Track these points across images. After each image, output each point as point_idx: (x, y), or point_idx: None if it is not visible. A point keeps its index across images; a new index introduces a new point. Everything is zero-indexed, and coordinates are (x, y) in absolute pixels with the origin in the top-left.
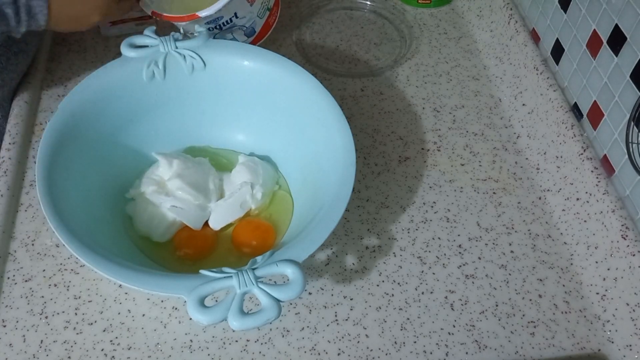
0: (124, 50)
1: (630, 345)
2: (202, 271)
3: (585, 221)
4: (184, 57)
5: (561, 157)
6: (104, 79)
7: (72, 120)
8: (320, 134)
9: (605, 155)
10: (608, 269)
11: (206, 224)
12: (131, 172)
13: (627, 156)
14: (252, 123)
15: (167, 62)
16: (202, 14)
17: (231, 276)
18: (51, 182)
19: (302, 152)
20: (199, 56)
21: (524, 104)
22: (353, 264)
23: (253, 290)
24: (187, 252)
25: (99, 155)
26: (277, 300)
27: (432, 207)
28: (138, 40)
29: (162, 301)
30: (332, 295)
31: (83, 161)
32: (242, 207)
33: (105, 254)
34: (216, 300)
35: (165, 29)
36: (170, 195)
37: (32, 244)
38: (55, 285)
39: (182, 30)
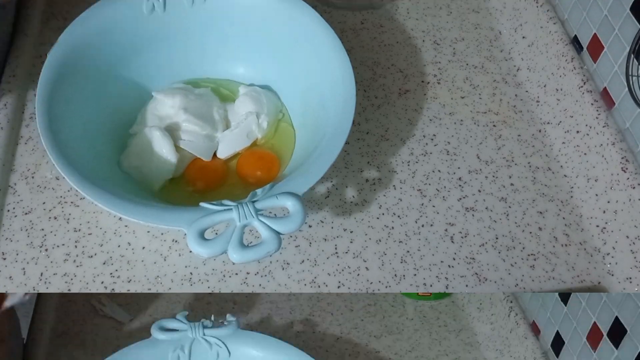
0: (154, 332)
1: (630, 278)
2: (202, 204)
3: (585, 154)
4: (211, 344)
5: (561, 89)
6: (104, 11)
7: (73, 54)
8: (320, 66)
9: (605, 88)
10: (608, 202)
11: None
12: (133, 106)
13: (627, 89)
14: (252, 55)
15: (193, 347)
16: None
17: (231, 209)
18: (51, 115)
19: (302, 84)
20: (225, 345)
21: (524, 37)
22: (353, 196)
23: (253, 222)
24: (200, 184)
25: (99, 88)
26: (277, 233)
27: (432, 139)
28: (168, 323)
29: (162, 234)
30: (332, 228)
31: (83, 94)
32: (248, 136)
33: (105, 187)
34: (216, 233)
35: None
36: (177, 129)
37: (32, 177)
38: (55, 217)
39: (212, 318)
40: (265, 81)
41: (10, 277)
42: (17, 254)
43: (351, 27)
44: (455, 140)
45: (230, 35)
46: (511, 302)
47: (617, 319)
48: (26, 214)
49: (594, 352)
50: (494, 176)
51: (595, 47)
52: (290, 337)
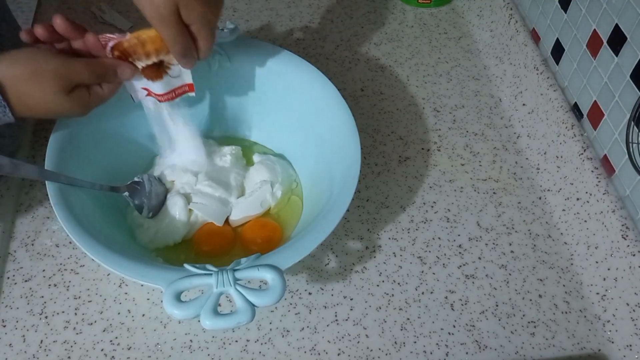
0: None
1: (631, 345)
2: (186, 265)
3: (585, 221)
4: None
5: (561, 157)
6: None
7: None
8: (334, 142)
9: (605, 155)
10: (608, 269)
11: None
12: (143, 162)
13: (627, 156)
14: (269, 122)
15: None
16: None
17: (211, 274)
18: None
19: (313, 155)
20: (225, 52)
21: (524, 104)
22: (353, 264)
23: (229, 291)
24: (206, 248)
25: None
26: (252, 305)
27: (432, 207)
28: None
29: (161, 301)
30: (332, 295)
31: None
32: (262, 205)
33: (99, 238)
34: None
35: None
36: (192, 190)
37: (32, 244)
38: (55, 285)
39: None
40: (279, 148)
41: (10, 344)
42: (17, 321)
43: (351, 94)
44: (455, 208)
45: (249, 100)
46: (511, 9)
47: (617, 26)
48: (26, 281)
49: (594, 59)
50: (494, 243)
51: (596, 114)
52: (290, 44)
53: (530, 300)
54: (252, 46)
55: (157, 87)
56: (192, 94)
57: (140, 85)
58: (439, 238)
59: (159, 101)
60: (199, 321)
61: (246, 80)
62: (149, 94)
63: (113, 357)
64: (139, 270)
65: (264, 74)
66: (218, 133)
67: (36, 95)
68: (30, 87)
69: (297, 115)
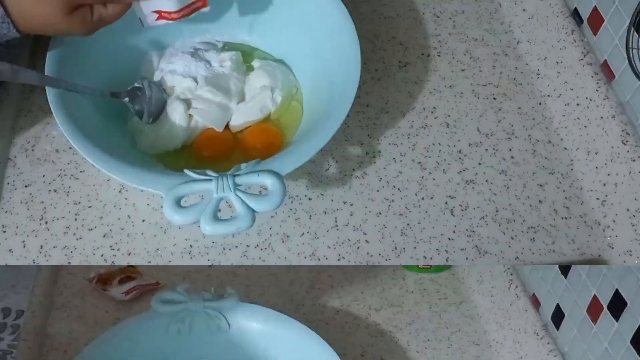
0: (155, 304)
1: (630, 251)
2: (186, 170)
3: (585, 126)
4: (211, 317)
5: (561, 62)
6: (128, 330)
7: None
8: (331, 43)
9: (605, 60)
10: (608, 175)
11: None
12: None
13: (627, 61)
14: (270, 27)
15: (193, 319)
16: None
17: (211, 179)
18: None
19: (313, 61)
20: (225, 318)
21: (524, 9)
22: (353, 169)
23: (230, 196)
24: (207, 154)
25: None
26: (252, 210)
27: (432, 112)
28: (169, 296)
29: (161, 206)
30: (332, 200)
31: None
32: (262, 110)
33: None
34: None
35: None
36: (192, 96)
37: (32, 150)
38: (55, 190)
39: (212, 290)
40: (279, 55)
41: (10, 249)
42: (17, 227)
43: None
44: (455, 113)
45: (248, 5)
46: (511, 274)
47: (617, 292)
48: (26, 186)
49: (594, 324)
50: (494, 149)
51: (596, 20)
52: (290, 310)
53: (530, 205)
54: (253, 311)
55: (171, 3)
56: (207, 9)
57: (151, 7)
58: (439, 143)
59: (172, 20)
60: (199, 227)
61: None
62: (160, 17)
63: (113, 262)
64: (139, 175)
65: None
66: (218, 39)
67: (38, 13)
68: (31, 4)
69: (297, 21)
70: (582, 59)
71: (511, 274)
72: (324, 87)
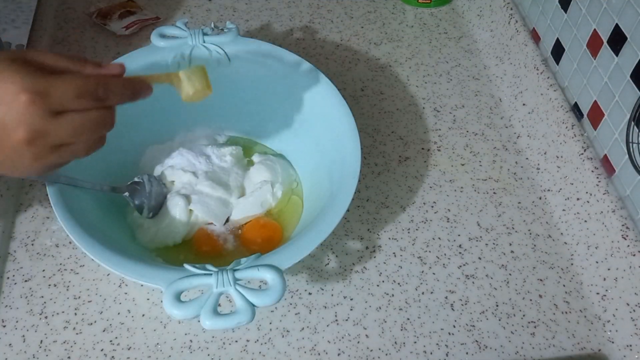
0: (154, 39)
1: (631, 346)
2: (186, 265)
3: (585, 221)
4: (211, 51)
5: (561, 157)
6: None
7: None
8: (331, 139)
9: (605, 155)
10: (608, 269)
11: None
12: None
13: (627, 156)
14: (270, 121)
15: (193, 54)
16: None
17: (211, 274)
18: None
19: (314, 155)
20: (225, 52)
21: (524, 104)
22: (353, 264)
23: (229, 291)
24: (206, 249)
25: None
26: (252, 305)
27: (432, 207)
28: (168, 30)
29: (161, 301)
30: (332, 295)
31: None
32: (262, 205)
33: (99, 238)
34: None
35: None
36: (192, 191)
37: (32, 244)
38: (55, 285)
39: (212, 25)
40: (279, 149)
41: (10, 344)
42: (17, 322)
43: (351, 94)
44: (455, 208)
45: (248, 100)
46: (511, 9)
47: (617, 26)
48: (26, 281)
49: (594, 59)
50: (494, 243)
51: (596, 114)
52: (290, 44)
53: (531, 300)
54: (251, 46)
55: None
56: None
57: None
58: (439, 238)
59: None
60: (198, 321)
61: (246, 80)
62: None
63: (113, 357)
64: (139, 270)
65: (264, 74)
66: (218, 133)
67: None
68: None
69: (297, 115)
70: (582, 154)
71: (511, 9)
72: (324, 182)
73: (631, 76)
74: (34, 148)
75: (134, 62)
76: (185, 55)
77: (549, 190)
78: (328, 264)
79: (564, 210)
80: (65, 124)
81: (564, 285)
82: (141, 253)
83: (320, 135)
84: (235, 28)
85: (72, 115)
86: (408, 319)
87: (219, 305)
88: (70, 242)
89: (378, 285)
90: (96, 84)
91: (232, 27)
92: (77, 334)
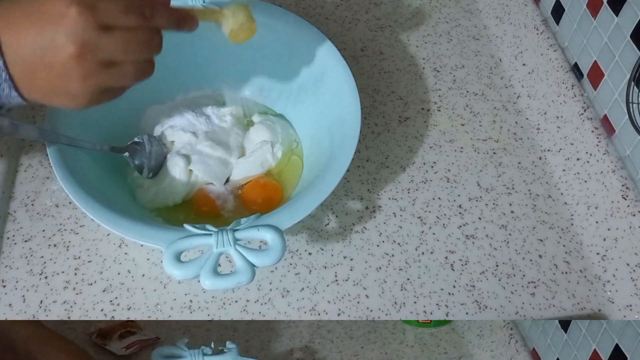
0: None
1: (631, 305)
2: (186, 225)
3: (585, 181)
4: None
5: (561, 117)
6: None
7: None
8: (332, 98)
9: (605, 115)
10: (608, 229)
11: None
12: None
13: (627, 116)
14: (270, 82)
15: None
16: None
17: (211, 234)
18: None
19: (313, 115)
20: None
21: (524, 64)
22: (353, 224)
23: (229, 251)
24: (206, 209)
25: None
26: (252, 265)
27: (432, 167)
28: (168, 350)
29: (161, 261)
30: (332, 255)
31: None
32: (262, 165)
33: (99, 198)
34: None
35: None
36: (193, 151)
37: (32, 204)
38: (55, 245)
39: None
40: (279, 110)
41: (10, 304)
42: (17, 282)
43: (351, 55)
44: (455, 168)
45: (248, 61)
46: (511, 329)
47: (617, 346)
48: (26, 241)
49: (594, 19)
50: (494, 204)
51: (596, 75)
52: (290, 4)
53: (531, 260)
54: (252, 6)
55: None
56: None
57: None
58: (439, 198)
59: None
60: (198, 281)
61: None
62: None
63: (113, 317)
64: (139, 230)
65: (264, 34)
66: (218, 93)
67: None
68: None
69: (297, 76)
70: (582, 114)
71: (511, 329)
72: (324, 142)
73: (631, 36)
74: (84, 63)
75: None
76: None
77: (549, 150)
78: (328, 224)
79: (564, 170)
80: (114, 38)
81: (564, 246)
82: (141, 213)
83: (320, 96)
84: (235, 348)
85: (121, 31)
86: (408, 279)
87: (219, 265)
88: (70, 202)
89: (378, 246)
90: (143, 2)
91: (232, 347)
92: (77, 294)
